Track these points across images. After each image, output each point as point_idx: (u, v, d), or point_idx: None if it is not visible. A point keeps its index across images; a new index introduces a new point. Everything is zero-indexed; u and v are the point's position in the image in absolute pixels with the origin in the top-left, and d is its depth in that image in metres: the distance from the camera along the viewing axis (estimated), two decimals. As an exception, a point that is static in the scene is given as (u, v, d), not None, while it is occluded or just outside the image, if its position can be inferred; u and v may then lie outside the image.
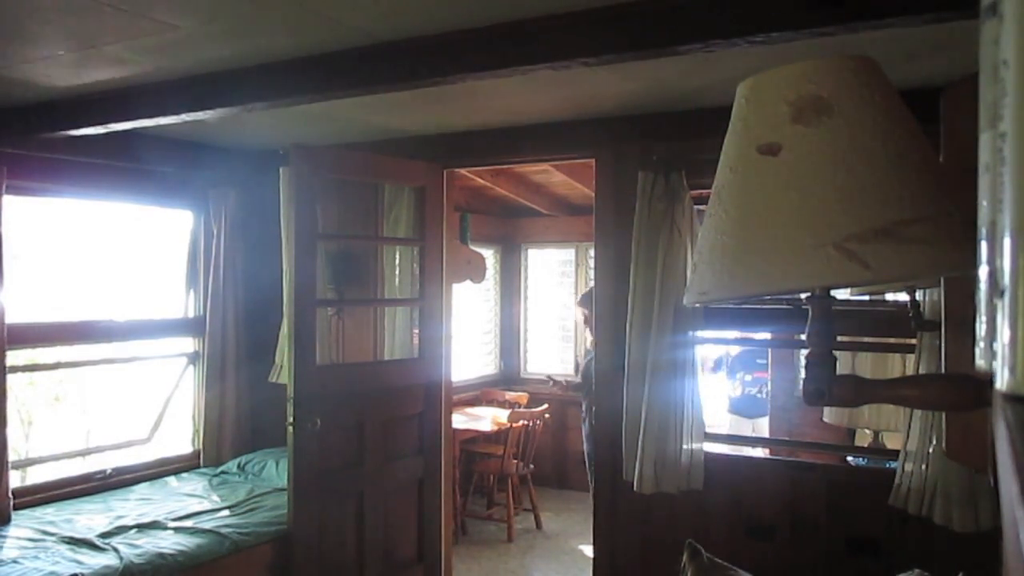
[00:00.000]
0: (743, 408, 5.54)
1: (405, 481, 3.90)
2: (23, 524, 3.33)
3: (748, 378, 5.53)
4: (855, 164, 0.90)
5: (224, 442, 4.44)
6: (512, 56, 2.19)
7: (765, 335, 4.63)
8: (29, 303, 5.07)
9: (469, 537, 5.31)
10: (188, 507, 3.66)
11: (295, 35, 2.32)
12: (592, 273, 4.24)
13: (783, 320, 3.39)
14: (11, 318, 3.46)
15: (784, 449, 4.33)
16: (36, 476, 4.11)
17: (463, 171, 4.61)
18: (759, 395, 5.46)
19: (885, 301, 3.34)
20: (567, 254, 6.85)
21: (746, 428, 5.42)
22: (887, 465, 3.22)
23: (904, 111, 0.97)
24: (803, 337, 1.01)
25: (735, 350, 5.57)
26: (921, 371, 2.77)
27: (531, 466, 5.50)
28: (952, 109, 1.66)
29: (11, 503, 3.40)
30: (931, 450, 2.77)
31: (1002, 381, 0.49)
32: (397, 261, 4.38)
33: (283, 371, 3.92)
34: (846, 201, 0.89)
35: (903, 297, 2.73)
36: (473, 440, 5.59)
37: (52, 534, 3.22)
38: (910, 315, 2.33)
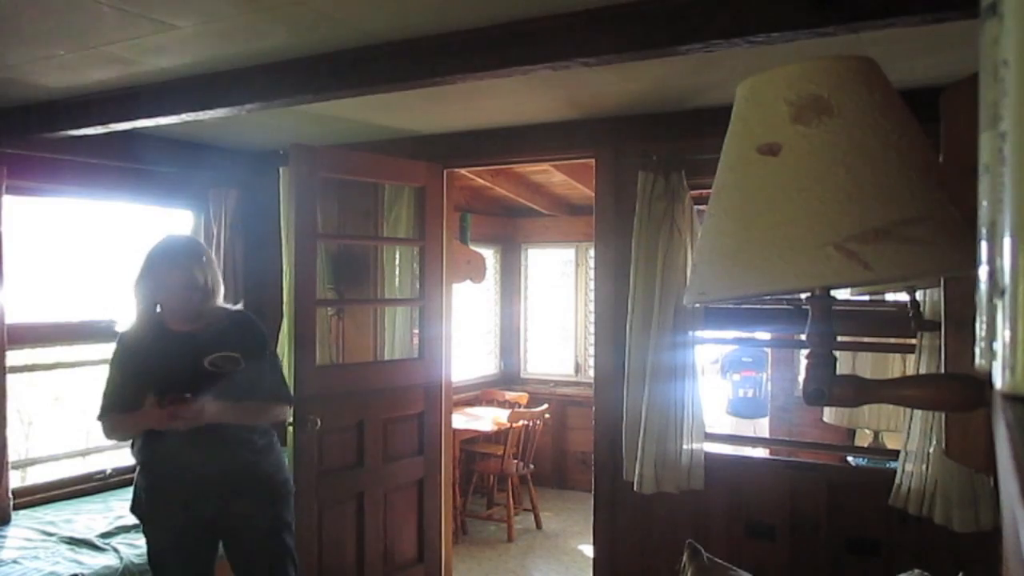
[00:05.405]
0: (741, 409, 5.55)
1: (405, 481, 3.90)
2: (23, 524, 3.33)
3: (736, 377, 5.54)
4: (855, 164, 0.90)
5: (224, 442, 4.43)
6: (512, 56, 2.19)
7: (765, 335, 4.63)
8: (29, 303, 5.06)
9: (469, 537, 5.30)
10: (188, 507, 3.65)
11: (295, 35, 2.31)
12: (592, 273, 4.23)
13: (783, 320, 3.39)
14: (11, 318, 3.46)
15: (784, 449, 4.33)
16: (36, 476, 4.11)
17: (463, 171, 4.61)
18: (754, 395, 5.46)
19: (885, 301, 3.34)
20: (567, 254, 6.84)
21: (747, 428, 5.43)
22: (887, 465, 3.21)
23: (904, 111, 0.97)
24: (803, 337, 1.01)
25: (729, 350, 5.59)
26: (921, 371, 2.77)
27: (531, 466, 5.49)
28: (952, 109, 1.66)
29: (11, 503, 3.40)
30: (931, 450, 2.77)
31: (1002, 381, 0.49)
32: (397, 261, 4.38)
33: (283, 371, 3.92)
34: (846, 201, 0.89)
35: (903, 297, 2.73)
36: (473, 440, 5.58)
37: (52, 534, 3.22)
38: (910, 315, 2.32)
